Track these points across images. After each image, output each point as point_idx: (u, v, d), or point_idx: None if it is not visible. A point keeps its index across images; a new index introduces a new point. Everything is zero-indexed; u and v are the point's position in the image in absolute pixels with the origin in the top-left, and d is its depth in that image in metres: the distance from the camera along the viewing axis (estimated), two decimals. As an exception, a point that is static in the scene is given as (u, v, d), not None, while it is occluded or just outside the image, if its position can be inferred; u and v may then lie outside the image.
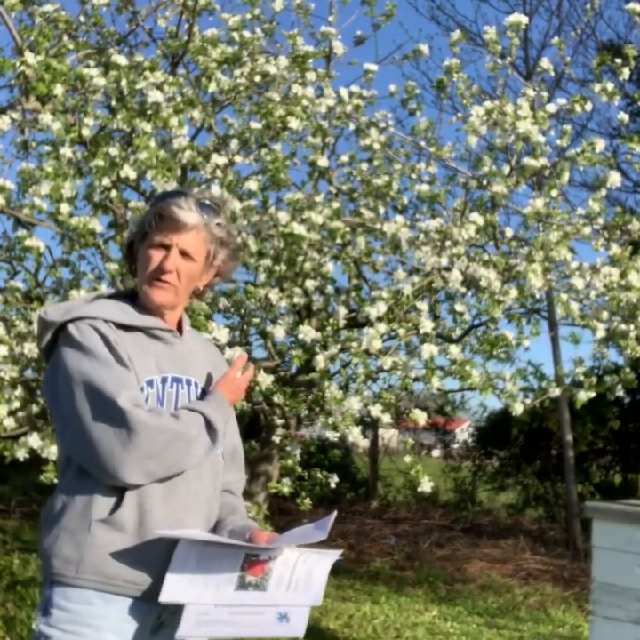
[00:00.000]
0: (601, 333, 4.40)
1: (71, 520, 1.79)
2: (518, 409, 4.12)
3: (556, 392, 4.47)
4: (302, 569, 1.70)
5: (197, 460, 1.83)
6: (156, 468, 1.76)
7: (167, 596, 1.69)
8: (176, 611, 1.72)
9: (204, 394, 1.92)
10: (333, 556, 1.76)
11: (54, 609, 1.79)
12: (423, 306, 4.15)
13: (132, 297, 1.96)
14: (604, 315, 4.40)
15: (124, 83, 4.19)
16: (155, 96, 4.06)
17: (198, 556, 1.73)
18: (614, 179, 4.28)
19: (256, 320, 4.60)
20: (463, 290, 4.31)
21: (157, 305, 1.91)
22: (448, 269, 4.28)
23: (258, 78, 4.52)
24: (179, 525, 1.81)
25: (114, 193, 4.16)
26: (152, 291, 1.89)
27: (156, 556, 1.76)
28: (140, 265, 1.92)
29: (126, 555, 1.76)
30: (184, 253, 1.88)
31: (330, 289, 4.82)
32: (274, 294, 4.32)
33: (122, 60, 4.22)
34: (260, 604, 1.66)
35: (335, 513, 1.89)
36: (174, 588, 1.70)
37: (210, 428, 1.83)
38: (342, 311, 4.39)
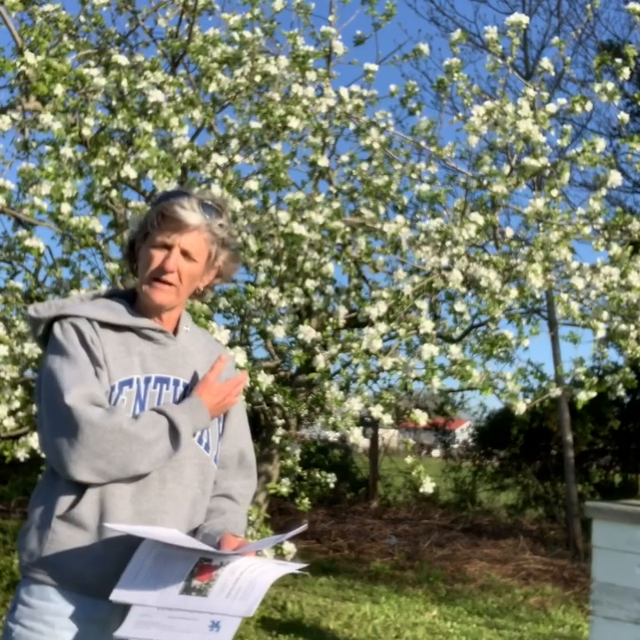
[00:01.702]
0: (601, 333, 4.40)
1: (38, 515, 1.80)
2: (520, 408, 4.12)
3: (556, 392, 4.47)
4: (248, 578, 1.63)
5: (156, 462, 1.77)
6: (107, 468, 1.72)
7: (117, 595, 1.67)
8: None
9: None
10: (291, 568, 1.70)
11: (19, 604, 1.79)
12: (423, 306, 4.15)
13: (131, 296, 1.96)
14: (604, 315, 4.40)
15: (124, 83, 4.19)
16: (156, 96, 4.07)
17: (156, 557, 1.70)
18: (615, 177, 4.28)
19: (256, 320, 4.59)
20: (463, 290, 4.31)
21: (158, 305, 1.89)
22: (448, 269, 4.28)
23: (258, 78, 4.52)
24: (150, 526, 1.77)
25: (114, 193, 4.16)
26: (153, 291, 1.88)
27: (116, 556, 1.72)
28: (141, 264, 1.90)
29: (85, 552, 1.74)
30: (185, 254, 1.87)
31: (330, 289, 4.81)
32: (274, 294, 4.32)
33: (122, 60, 4.22)
34: (198, 610, 1.61)
35: (305, 525, 1.91)
36: (125, 588, 1.67)
37: (174, 431, 1.77)
38: (342, 311, 4.38)
